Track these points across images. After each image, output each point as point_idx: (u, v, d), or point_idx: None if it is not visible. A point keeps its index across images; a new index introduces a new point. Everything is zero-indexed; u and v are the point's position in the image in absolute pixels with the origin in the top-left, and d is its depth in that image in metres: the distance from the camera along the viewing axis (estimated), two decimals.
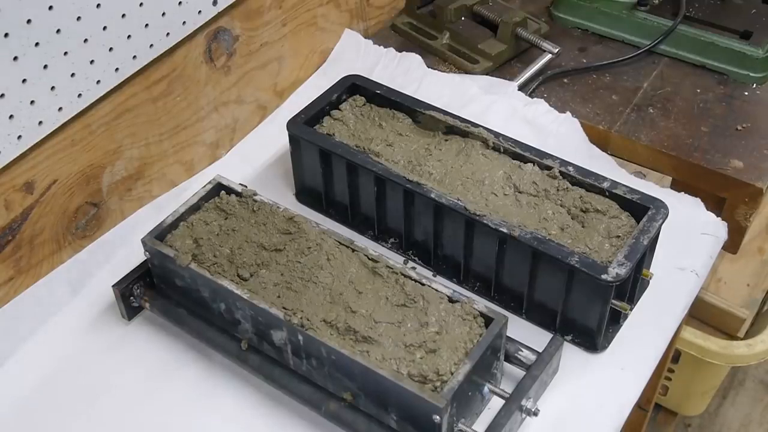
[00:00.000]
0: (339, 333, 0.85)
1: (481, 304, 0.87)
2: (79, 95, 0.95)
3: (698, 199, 1.13)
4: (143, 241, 0.95)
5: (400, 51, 1.35)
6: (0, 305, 0.97)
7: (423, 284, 0.89)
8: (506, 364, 0.91)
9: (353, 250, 0.93)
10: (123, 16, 0.95)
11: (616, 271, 0.88)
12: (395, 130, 1.08)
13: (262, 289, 0.90)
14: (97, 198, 1.05)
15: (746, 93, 1.27)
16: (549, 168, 1.00)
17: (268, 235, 0.95)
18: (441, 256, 1.03)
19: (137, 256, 0.99)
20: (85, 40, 0.92)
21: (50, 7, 0.86)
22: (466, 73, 1.32)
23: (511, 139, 1.04)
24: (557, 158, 1.01)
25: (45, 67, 0.89)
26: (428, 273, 1.03)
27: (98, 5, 0.91)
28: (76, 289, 1.02)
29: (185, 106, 1.12)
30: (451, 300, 0.88)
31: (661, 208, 0.95)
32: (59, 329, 0.99)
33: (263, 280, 0.91)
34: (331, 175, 1.07)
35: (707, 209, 1.12)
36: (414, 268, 0.94)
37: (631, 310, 0.98)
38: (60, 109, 0.93)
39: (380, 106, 1.11)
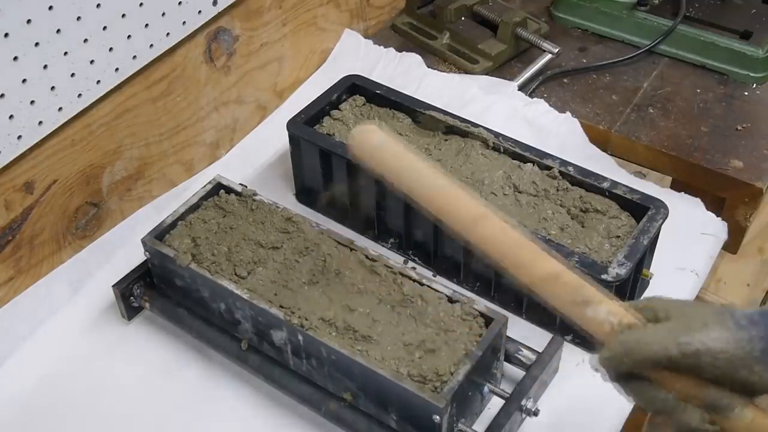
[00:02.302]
0: (338, 331, 0.85)
1: (481, 304, 0.87)
2: (79, 95, 0.95)
3: (698, 199, 1.13)
4: (143, 241, 0.95)
5: (400, 51, 1.35)
6: (0, 305, 0.98)
7: (423, 284, 0.89)
8: (506, 364, 0.91)
9: (351, 249, 0.93)
10: (123, 16, 0.95)
11: (616, 271, 0.88)
12: (395, 129, 1.08)
13: (260, 286, 0.90)
14: (97, 198, 1.05)
15: (746, 93, 1.27)
16: (549, 168, 1.00)
17: (265, 233, 0.95)
18: (441, 256, 1.03)
19: (137, 256, 0.99)
20: (85, 40, 0.92)
21: (50, 7, 0.86)
22: (466, 73, 1.32)
23: (511, 139, 1.04)
24: (557, 158, 1.01)
25: (45, 67, 0.89)
26: (428, 273, 1.03)
27: (98, 5, 0.91)
28: (76, 289, 1.02)
29: (185, 106, 1.12)
30: (450, 300, 0.88)
31: (661, 208, 0.95)
32: (59, 329, 0.99)
33: (260, 278, 0.91)
34: (331, 175, 1.07)
35: (707, 209, 1.12)
36: (414, 268, 0.94)
37: None
38: (60, 109, 0.93)
39: (380, 106, 1.11)
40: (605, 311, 0.64)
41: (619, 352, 0.62)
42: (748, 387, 0.60)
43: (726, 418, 0.59)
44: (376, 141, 0.71)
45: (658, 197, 0.96)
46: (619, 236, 0.93)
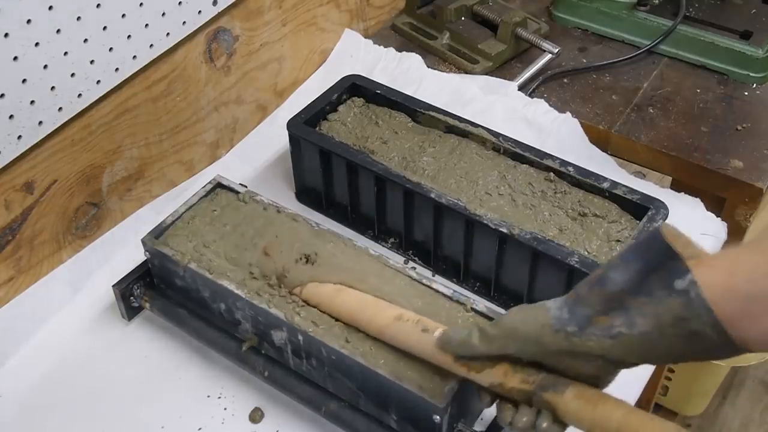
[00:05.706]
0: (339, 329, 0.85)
1: (481, 304, 0.87)
2: (79, 95, 0.95)
3: (698, 199, 1.13)
4: (143, 241, 0.95)
5: (400, 51, 1.35)
6: (0, 305, 0.98)
7: (423, 284, 0.89)
8: None
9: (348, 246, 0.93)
10: (123, 16, 0.95)
11: None
12: (392, 128, 1.08)
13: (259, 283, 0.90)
14: (97, 198, 1.05)
15: (746, 93, 1.27)
16: (548, 168, 1.00)
17: (264, 233, 0.95)
18: (441, 256, 1.03)
19: (137, 256, 0.99)
20: (85, 40, 0.92)
21: (50, 7, 0.86)
22: (466, 73, 1.32)
23: (511, 139, 1.04)
24: (557, 158, 1.01)
25: (45, 67, 0.89)
26: (428, 273, 1.04)
27: (98, 5, 0.91)
28: (77, 288, 1.02)
29: (185, 106, 1.12)
30: (451, 301, 0.88)
31: (661, 208, 0.95)
32: (59, 329, 0.99)
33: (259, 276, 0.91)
34: (331, 175, 1.07)
35: (707, 209, 1.12)
36: (414, 268, 0.94)
37: None
38: (60, 109, 0.93)
39: (380, 106, 1.11)
40: (441, 333, 0.75)
41: (454, 339, 0.72)
42: (566, 372, 0.66)
43: (555, 394, 0.66)
44: None
45: (658, 197, 0.96)
46: (619, 240, 0.93)
